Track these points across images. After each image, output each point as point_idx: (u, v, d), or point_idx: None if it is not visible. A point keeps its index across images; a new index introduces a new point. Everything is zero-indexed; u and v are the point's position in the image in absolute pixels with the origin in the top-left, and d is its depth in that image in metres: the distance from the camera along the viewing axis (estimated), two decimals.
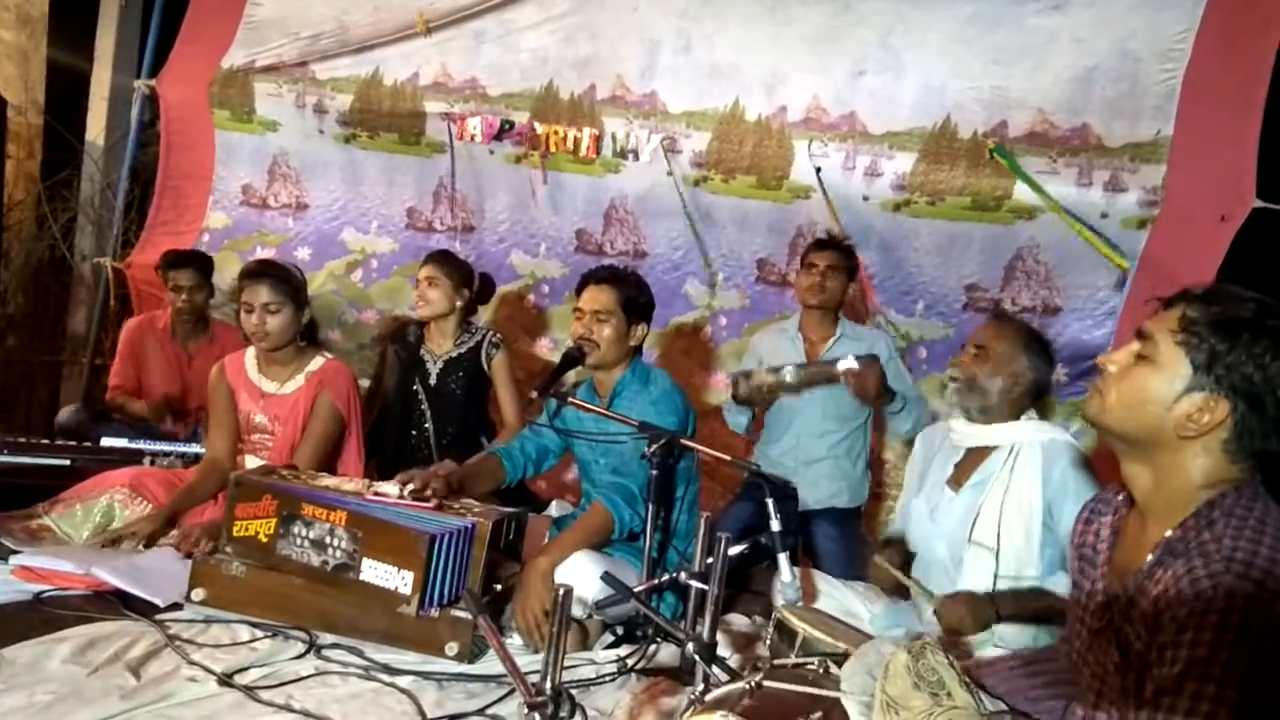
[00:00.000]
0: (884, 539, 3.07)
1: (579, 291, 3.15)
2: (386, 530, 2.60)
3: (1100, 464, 2.57)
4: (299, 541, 2.67)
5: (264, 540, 2.71)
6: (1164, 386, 1.48)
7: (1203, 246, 3.70)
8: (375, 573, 2.58)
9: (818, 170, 4.34)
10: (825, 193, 4.32)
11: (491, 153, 4.83)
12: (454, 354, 3.96)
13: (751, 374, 3.50)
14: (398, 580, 2.55)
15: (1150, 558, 1.49)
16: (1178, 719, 1.31)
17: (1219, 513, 1.45)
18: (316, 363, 3.42)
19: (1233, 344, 1.43)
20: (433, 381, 3.95)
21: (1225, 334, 1.44)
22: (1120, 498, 1.68)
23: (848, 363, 3.36)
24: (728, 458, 2.92)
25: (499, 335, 3.99)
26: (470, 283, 3.97)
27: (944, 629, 2.47)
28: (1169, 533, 1.49)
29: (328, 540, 2.64)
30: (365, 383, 4.13)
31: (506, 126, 4.75)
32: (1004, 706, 1.68)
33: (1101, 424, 1.57)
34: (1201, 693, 1.31)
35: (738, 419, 3.80)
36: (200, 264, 4.43)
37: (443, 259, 3.95)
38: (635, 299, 3.11)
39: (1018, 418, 2.70)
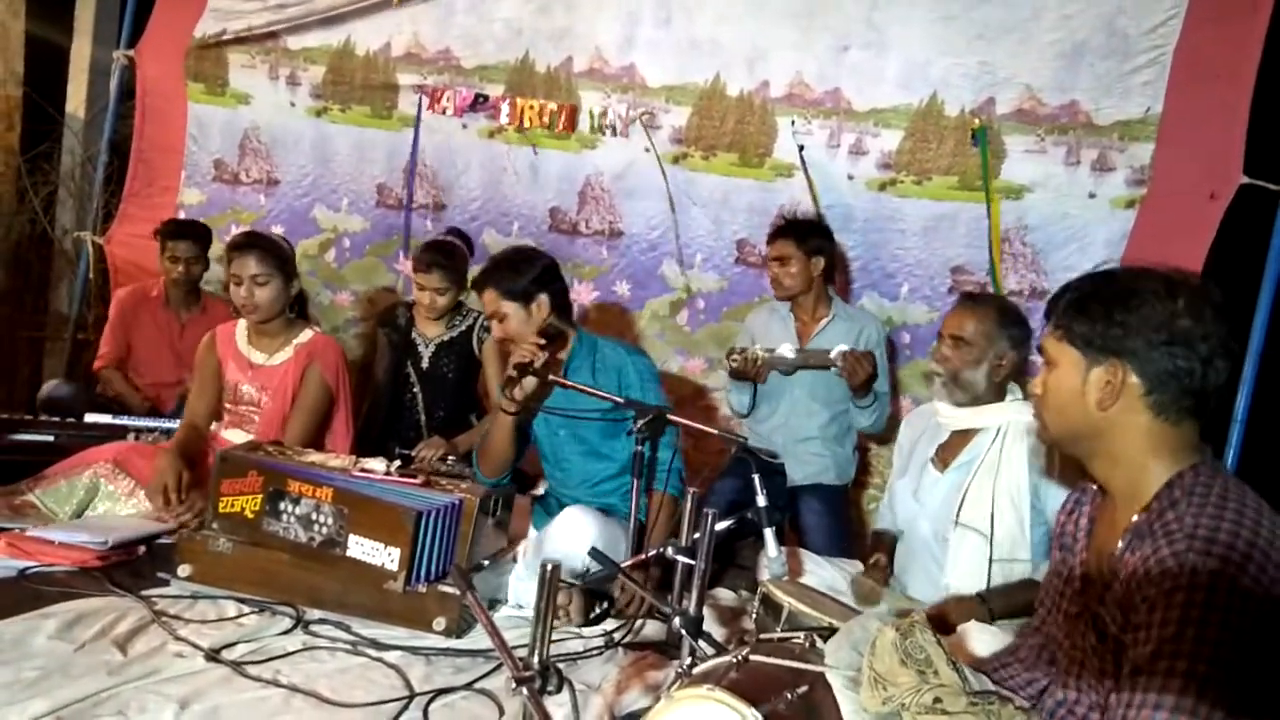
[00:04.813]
0: (873, 532, 3.07)
1: None
2: (373, 507, 2.60)
3: None
4: (285, 518, 2.68)
5: (250, 516, 2.71)
6: (1069, 378, 1.62)
7: (1191, 225, 3.68)
8: (362, 549, 2.59)
9: (800, 149, 4.28)
10: (807, 172, 4.27)
11: (464, 127, 4.74)
12: (446, 337, 3.95)
13: (746, 350, 3.53)
14: (384, 556, 2.56)
15: (1121, 543, 1.54)
16: (1152, 696, 1.34)
17: (1179, 491, 1.50)
18: (305, 335, 3.43)
19: (1089, 319, 1.58)
20: (425, 365, 3.94)
21: (1080, 313, 1.60)
22: (1096, 487, 1.74)
23: (841, 349, 3.41)
24: (715, 432, 2.93)
25: None
26: (468, 267, 3.96)
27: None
28: (1136, 516, 1.53)
29: (314, 517, 2.64)
30: None
31: (480, 100, 4.66)
32: (990, 685, 1.69)
33: (1053, 440, 1.72)
34: (1173, 669, 1.33)
35: (740, 397, 3.79)
36: (199, 236, 4.40)
37: (446, 262, 3.84)
38: (515, 285, 3.03)
39: (1003, 396, 2.71)
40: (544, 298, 3.06)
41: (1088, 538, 1.71)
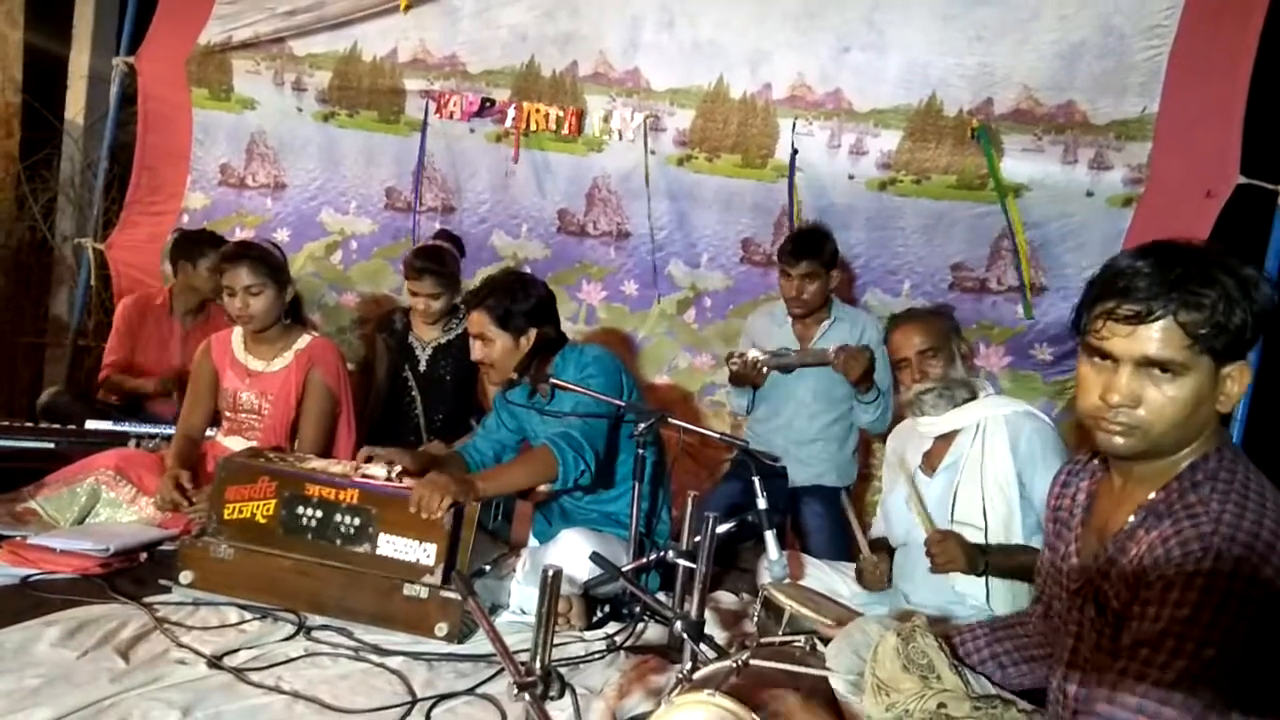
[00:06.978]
0: (871, 540, 3.09)
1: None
2: (404, 506, 2.62)
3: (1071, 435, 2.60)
4: (306, 521, 2.69)
5: (262, 521, 2.72)
6: (1203, 384, 1.46)
7: (1188, 224, 3.68)
8: (393, 547, 2.63)
9: (794, 152, 4.28)
10: (793, 176, 4.28)
11: (472, 131, 4.76)
12: (443, 340, 3.96)
13: (745, 354, 3.54)
14: (419, 553, 2.61)
15: (1132, 519, 1.52)
16: (1153, 672, 1.34)
17: (1202, 475, 1.47)
18: (304, 340, 3.43)
19: (1225, 321, 1.41)
20: (422, 368, 3.95)
21: (1227, 306, 1.41)
22: (1095, 462, 1.70)
23: (836, 345, 3.46)
24: (717, 434, 2.94)
25: None
26: (460, 270, 3.97)
27: (936, 566, 2.50)
28: (1152, 495, 1.51)
29: (338, 518, 2.66)
30: (349, 367, 4.10)
31: (487, 104, 4.68)
32: (991, 688, 1.69)
33: (1148, 451, 1.51)
34: (1180, 650, 1.33)
35: (739, 401, 3.84)
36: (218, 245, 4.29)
37: (437, 268, 3.85)
38: (509, 310, 2.96)
39: (976, 392, 2.76)
40: (534, 333, 3.00)
41: (1085, 513, 1.67)
